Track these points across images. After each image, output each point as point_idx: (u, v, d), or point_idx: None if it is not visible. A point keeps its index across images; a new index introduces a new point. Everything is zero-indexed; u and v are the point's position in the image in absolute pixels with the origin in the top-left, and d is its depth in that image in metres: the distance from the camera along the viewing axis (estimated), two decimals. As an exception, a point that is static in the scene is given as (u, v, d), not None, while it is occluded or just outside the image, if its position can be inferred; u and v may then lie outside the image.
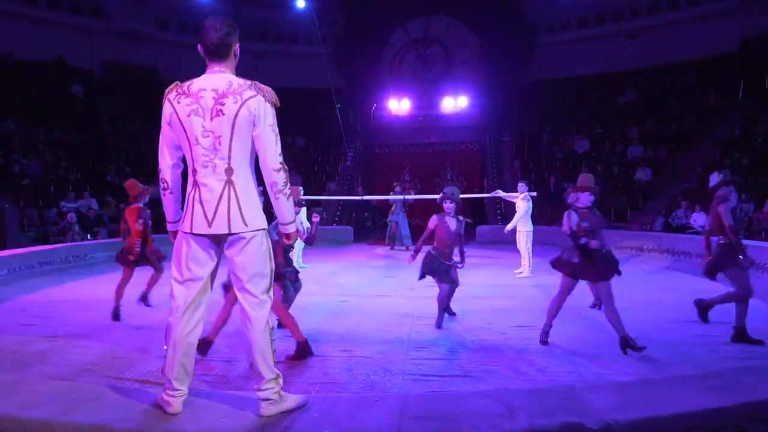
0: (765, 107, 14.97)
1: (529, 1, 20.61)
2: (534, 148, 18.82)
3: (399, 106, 19.67)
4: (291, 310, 4.60)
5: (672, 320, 5.74)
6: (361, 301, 6.86)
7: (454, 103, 19.62)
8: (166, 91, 2.39)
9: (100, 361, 4.47)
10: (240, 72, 2.51)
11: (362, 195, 15.56)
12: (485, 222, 16.18)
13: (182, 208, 2.48)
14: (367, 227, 17.35)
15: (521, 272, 9.04)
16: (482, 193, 15.39)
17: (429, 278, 5.73)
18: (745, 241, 9.37)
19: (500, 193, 10.63)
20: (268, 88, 2.40)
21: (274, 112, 2.38)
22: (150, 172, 16.19)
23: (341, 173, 18.91)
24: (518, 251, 9.20)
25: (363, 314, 6.07)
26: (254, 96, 2.31)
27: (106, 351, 4.69)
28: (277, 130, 2.38)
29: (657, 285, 8.12)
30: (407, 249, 12.81)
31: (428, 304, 6.01)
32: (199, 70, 2.46)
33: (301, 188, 10.82)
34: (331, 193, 17.06)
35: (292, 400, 2.53)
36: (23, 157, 13.89)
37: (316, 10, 17.86)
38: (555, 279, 8.62)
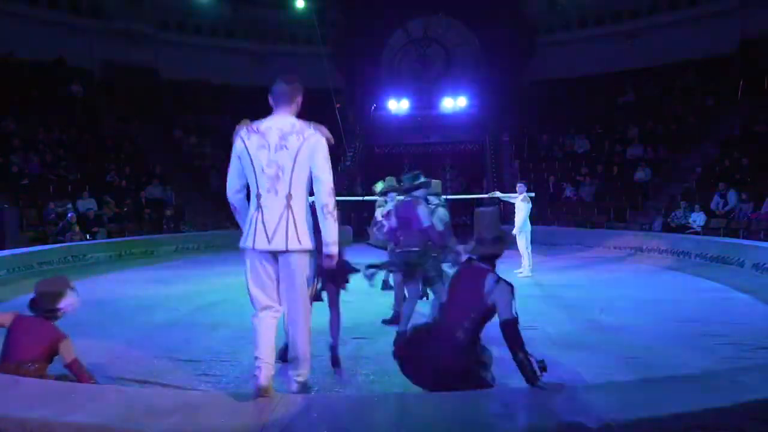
0: (764, 107, 14.98)
1: (529, 1, 20.61)
2: (533, 148, 18.83)
3: (398, 106, 19.68)
4: None
5: (671, 320, 5.74)
6: (361, 300, 6.86)
7: (454, 103, 19.63)
8: (237, 128, 2.80)
9: (100, 361, 4.47)
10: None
11: (362, 195, 15.56)
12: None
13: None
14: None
15: (521, 272, 9.04)
16: (482, 193, 15.38)
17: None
18: (744, 241, 9.39)
19: (498, 194, 10.61)
20: (323, 128, 2.86)
21: (327, 147, 2.79)
22: (149, 172, 16.26)
23: (341, 173, 18.89)
24: (517, 251, 9.20)
25: (363, 314, 6.07)
26: (313, 134, 2.76)
27: (106, 351, 4.68)
28: (329, 162, 2.80)
29: (656, 285, 8.13)
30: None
31: (428, 304, 6.01)
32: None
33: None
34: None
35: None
36: (22, 156, 13.87)
37: (316, 10, 17.88)
38: (554, 278, 8.66)
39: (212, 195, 17.14)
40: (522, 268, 9.10)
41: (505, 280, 3.02)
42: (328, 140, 2.81)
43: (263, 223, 2.70)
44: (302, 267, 2.78)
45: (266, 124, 2.77)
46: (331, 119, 17.35)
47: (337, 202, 2.89)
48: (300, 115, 2.98)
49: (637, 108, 18.10)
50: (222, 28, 21.28)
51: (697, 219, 12.20)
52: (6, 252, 9.96)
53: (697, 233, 11.87)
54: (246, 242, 2.75)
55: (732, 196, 12.30)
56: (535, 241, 9.67)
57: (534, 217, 9.55)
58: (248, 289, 2.85)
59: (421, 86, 20.76)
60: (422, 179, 5.07)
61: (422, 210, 4.86)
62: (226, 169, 2.96)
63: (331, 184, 2.78)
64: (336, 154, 19.26)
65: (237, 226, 3.03)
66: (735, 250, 9.51)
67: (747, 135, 14.66)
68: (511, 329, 2.85)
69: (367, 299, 6.18)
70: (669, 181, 15.14)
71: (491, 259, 3.14)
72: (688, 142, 15.93)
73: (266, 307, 2.83)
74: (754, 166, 13.23)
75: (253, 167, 2.71)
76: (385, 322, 5.75)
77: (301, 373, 2.97)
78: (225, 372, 4.32)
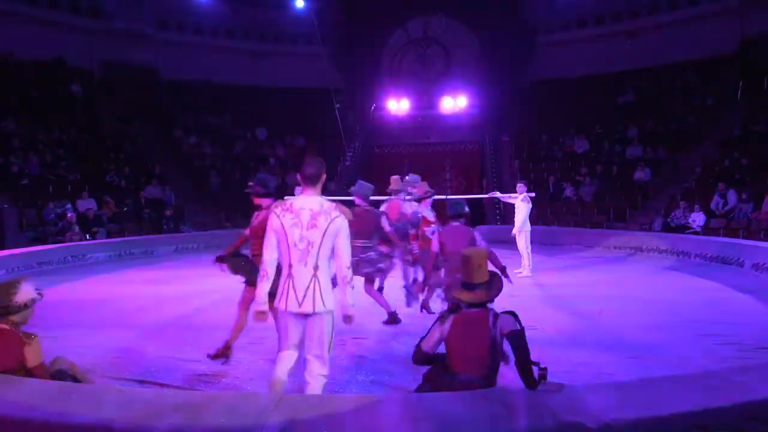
0: (764, 107, 14.98)
1: (529, 2, 20.62)
2: (533, 148, 18.83)
3: (398, 106, 19.67)
4: None
5: (671, 320, 5.74)
6: (360, 301, 6.86)
7: (454, 103, 19.62)
8: (273, 206, 3.31)
9: (100, 361, 4.47)
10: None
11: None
12: (484, 222, 16.18)
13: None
14: None
15: (521, 272, 9.04)
16: (481, 193, 15.38)
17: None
18: (744, 241, 9.39)
19: (497, 194, 10.62)
20: (345, 209, 3.33)
21: (348, 225, 3.21)
22: (148, 172, 16.26)
23: (341, 173, 18.89)
24: (517, 251, 9.20)
25: (363, 314, 6.06)
26: (339, 216, 3.12)
27: (106, 351, 4.69)
28: (349, 239, 3.21)
29: (656, 285, 8.13)
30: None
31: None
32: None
33: (299, 188, 10.88)
34: (330, 194, 17.04)
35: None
36: (22, 156, 13.88)
37: (316, 10, 17.88)
38: (554, 278, 8.66)
39: (212, 195, 17.17)
40: (522, 268, 9.11)
41: (503, 313, 2.87)
42: (345, 215, 3.24)
43: (294, 289, 3.08)
44: (327, 324, 3.16)
45: (298, 203, 3.15)
46: (331, 119, 17.40)
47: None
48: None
49: (637, 108, 18.11)
50: (222, 28, 21.29)
51: (697, 219, 12.20)
52: (6, 252, 9.96)
53: (697, 233, 11.87)
54: (279, 304, 3.16)
55: (732, 196, 12.31)
56: (535, 241, 9.66)
57: (534, 217, 9.55)
58: (279, 338, 3.34)
59: (421, 86, 20.76)
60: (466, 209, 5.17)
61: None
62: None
63: (350, 259, 3.21)
64: (336, 154, 19.32)
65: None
66: (735, 250, 9.51)
67: (747, 135, 14.67)
68: (517, 340, 2.76)
69: (367, 299, 6.17)
70: (669, 181, 15.14)
71: (481, 306, 2.92)
72: (688, 142, 15.93)
73: (287, 357, 3.24)
74: (754, 166, 13.23)
75: (287, 241, 3.10)
76: (385, 322, 5.76)
77: None
78: (225, 372, 4.33)
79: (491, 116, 19.81)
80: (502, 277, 3.30)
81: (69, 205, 12.63)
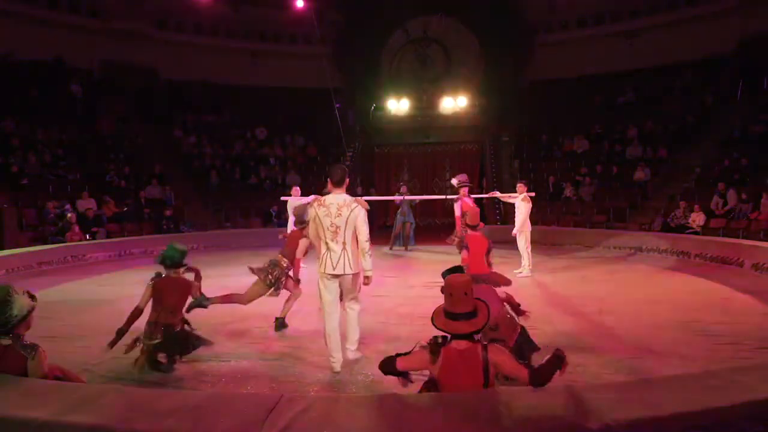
0: (763, 107, 14.99)
1: (529, 2, 20.63)
2: (533, 148, 18.83)
3: (398, 106, 19.66)
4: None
5: (671, 320, 5.74)
6: (360, 301, 6.86)
7: (454, 103, 19.61)
8: (312, 199, 4.54)
9: (100, 361, 4.47)
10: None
11: (361, 195, 15.56)
12: (484, 222, 16.17)
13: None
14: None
15: (521, 272, 9.04)
16: (482, 193, 15.39)
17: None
18: (744, 241, 9.38)
19: (497, 194, 10.62)
20: (363, 200, 4.47)
21: (365, 212, 4.38)
22: (149, 172, 16.25)
23: (340, 173, 18.89)
24: (517, 251, 9.21)
25: (363, 314, 6.05)
26: (356, 206, 4.32)
27: (106, 351, 4.68)
28: (367, 222, 4.37)
29: (656, 285, 8.13)
30: (406, 250, 12.78)
31: (428, 304, 6.01)
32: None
33: (297, 188, 10.87)
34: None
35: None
36: (22, 156, 13.87)
37: (316, 10, 17.86)
38: (554, 278, 8.66)
39: (212, 195, 17.16)
40: (522, 267, 9.11)
41: (492, 345, 2.72)
42: (365, 209, 4.39)
43: (330, 258, 4.31)
44: (354, 281, 4.43)
45: (329, 200, 4.34)
46: (331, 119, 17.39)
47: None
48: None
49: (637, 108, 18.10)
50: (222, 28, 21.27)
51: (697, 219, 12.20)
52: (6, 252, 9.95)
53: (696, 233, 11.88)
54: (320, 269, 4.38)
55: (731, 196, 12.31)
56: (535, 241, 9.66)
57: (534, 217, 9.55)
58: (320, 294, 4.41)
59: (421, 86, 20.75)
60: None
61: None
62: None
63: (368, 236, 4.36)
64: (336, 154, 19.32)
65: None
66: (735, 250, 9.52)
67: (746, 135, 14.67)
68: (534, 381, 2.62)
69: (367, 300, 6.17)
70: (669, 181, 15.14)
71: (468, 338, 2.73)
72: (688, 142, 15.93)
73: (331, 303, 4.40)
74: (754, 166, 13.24)
75: (323, 226, 4.32)
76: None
77: (353, 346, 4.57)
78: (225, 372, 4.33)
79: (491, 116, 19.80)
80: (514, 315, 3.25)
81: (68, 206, 12.62)
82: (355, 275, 4.40)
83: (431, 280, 8.10)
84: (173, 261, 4.59)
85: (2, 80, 15.41)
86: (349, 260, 4.29)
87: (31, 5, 17.30)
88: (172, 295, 4.47)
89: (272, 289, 5.36)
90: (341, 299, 4.50)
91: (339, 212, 4.26)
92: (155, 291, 4.45)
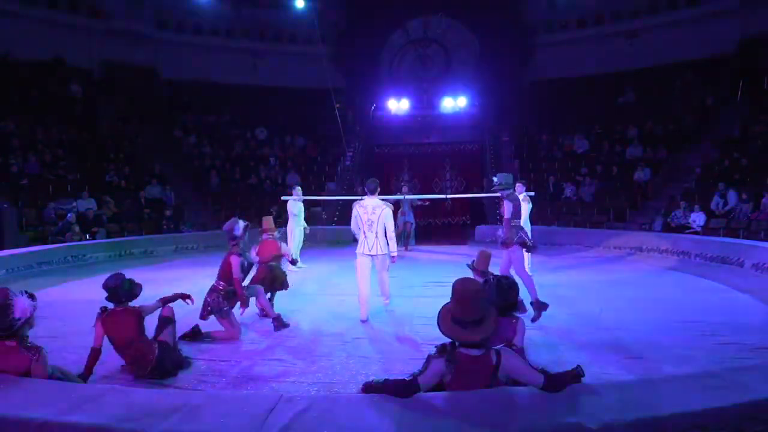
0: (764, 108, 14.98)
1: (529, 2, 20.61)
2: (533, 148, 18.83)
3: (398, 105, 19.65)
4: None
5: (671, 320, 5.74)
6: (351, 308, 6.87)
7: (454, 103, 19.60)
8: (354, 204, 6.06)
9: (100, 361, 4.46)
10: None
11: (362, 195, 15.50)
12: (484, 221, 16.18)
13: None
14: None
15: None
16: (482, 193, 15.39)
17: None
18: (744, 241, 9.38)
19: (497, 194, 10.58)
20: (389, 203, 5.99)
21: (391, 211, 5.92)
22: (148, 172, 16.25)
23: (340, 173, 18.89)
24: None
25: (362, 316, 6.06)
26: (385, 208, 5.88)
27: (106, 351, 4.68)
28: (393, 219, 5.98)
29: (656, 285, 8.12)
30: (406, 250, 12.78)
31: (428, 304, 6.01)
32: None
33: (299, 188, 10.88)
34: (330, 194, 17.03)
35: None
36: (22, 156, 13.87)
37: (316, 10, 17.87)
38: (554, 278, 8.65)
39: (212, 195, 17.16)
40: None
41: (502, 350, 2.68)
42: (391, 209, 5.92)
43: (366, 243, 5.89)
44: (385, 259, 6.04)
45: (366, 202, 5.94)
46: (331, 119, 17.40)
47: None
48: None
49: (637, 108, 18.10)
50: (222, 28, 21.27)
51: (697, 219, 12.20)
52: (6, 252, 9.94)
53: (697, 233, 11.87)
54: (359, 250, 5.97)
55: (732, 196, 12.31)
56: (535, 241, 9.63)
57: (534, 217, 9.54)
58: (358, 267, 5.93)
59: (421, 86, 20.73)
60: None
61: None
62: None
63: (393, 228, 5.93)
64: (336, 155, 19.33)
65: None
66: (735, 250, 9.51)
67: (746, 135, 14.67)
68: (549, 389, 2.59)
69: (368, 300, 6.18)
70: (669, 181, 15.13)
71: (479, 345, 2.66)
72: (688, 142, 15.93)
73: (365, 275, 5.91)
74: (754, 166, 13.23)
75: (362, 220, 5.90)
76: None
77: (387, 299, 6.42)
78: (225, 372, 4.33)
79: (491, 116, 19.79)
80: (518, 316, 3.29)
81: (70, 203, 12.63)
82: (384, 255, 5.95)
83: (431, 280, 8.13)
84: (128, 294, 4.25)
85: (2, 80, 15.41)
86: (380, 245, 5.86)
87: (30, 5, 17.31)
88: (123, 329, 4.08)
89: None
90: (378, 271, 6.08)
91: (373, 211, 5.84)
92: (106, 328, 4.05)
